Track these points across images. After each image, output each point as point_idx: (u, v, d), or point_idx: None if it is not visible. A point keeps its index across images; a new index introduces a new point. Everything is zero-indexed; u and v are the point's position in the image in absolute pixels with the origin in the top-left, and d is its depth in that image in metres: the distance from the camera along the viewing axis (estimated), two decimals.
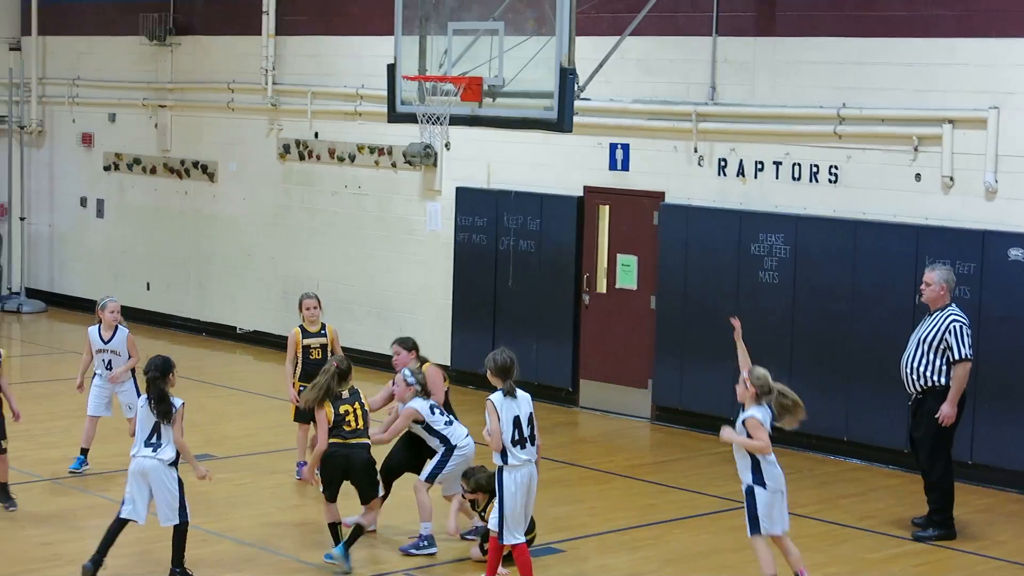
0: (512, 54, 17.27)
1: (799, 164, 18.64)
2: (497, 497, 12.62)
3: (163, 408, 12.67)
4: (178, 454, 12.77)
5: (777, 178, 18.84)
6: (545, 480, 16.75)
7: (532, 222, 21.08)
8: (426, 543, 13.95)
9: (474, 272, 21.77)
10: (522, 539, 12.59)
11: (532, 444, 12.62)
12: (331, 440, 13.24)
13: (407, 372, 14.08)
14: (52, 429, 18.50)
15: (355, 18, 23.23)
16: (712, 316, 19.12)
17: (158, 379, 12.77)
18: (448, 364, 21.99)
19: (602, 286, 20.63)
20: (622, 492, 16.78)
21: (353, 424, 13.31)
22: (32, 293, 28.76)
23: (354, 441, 13.28)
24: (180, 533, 12.75)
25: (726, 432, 12.41)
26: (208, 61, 25.84)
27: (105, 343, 16.75)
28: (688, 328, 19.55)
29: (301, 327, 16.29)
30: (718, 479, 17.05)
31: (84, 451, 16.83)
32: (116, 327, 16.75)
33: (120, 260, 27.23)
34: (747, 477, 12.39)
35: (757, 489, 12.31)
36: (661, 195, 19.91)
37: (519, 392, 12.72)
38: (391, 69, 18.51)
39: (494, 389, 12.66)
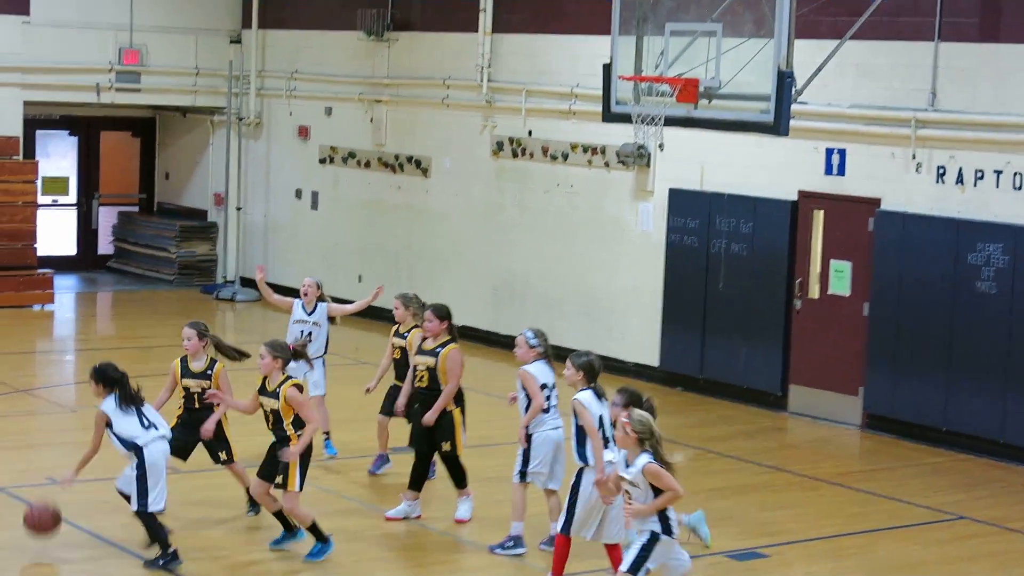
0: (729, 56, 17.28)
1: (1021, 174, 18.39)
2: (570, 495, 12.73)
3: None
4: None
5: (997, 187, 18.61)
6: (752, 484, 16.95)
7: (745, 225, 21.06)
8: (512, 543, 13.97)
9: (685, 274, 21.79)
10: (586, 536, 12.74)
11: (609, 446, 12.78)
12: None
13: (529, 334, 13.91)
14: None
15: (571, 17, 23.37)
16: (927, 325, 19.02)
17: None
18: (656, 364, 22.09)
19: (814, 291, 20.55)
20: (829, 499, 16.72)
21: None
22: (246, 282, 29.30)
23: None
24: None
25: (630, 512, 11.32)
26: (424, 57, 26.17)
27: (308, 315, 17.38)
28: (902, 336, 19.40)
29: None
30: (928, 490, 16.96)
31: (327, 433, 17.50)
32: (317, 302, 17.43)
33: (333, 252, 27.69)
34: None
35: (663, 538, 11.16)
36: (877, 201, 19.78)
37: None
38: (607, 69, 18.62)
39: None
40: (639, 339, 22.45)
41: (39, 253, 27.66)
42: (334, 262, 27.26)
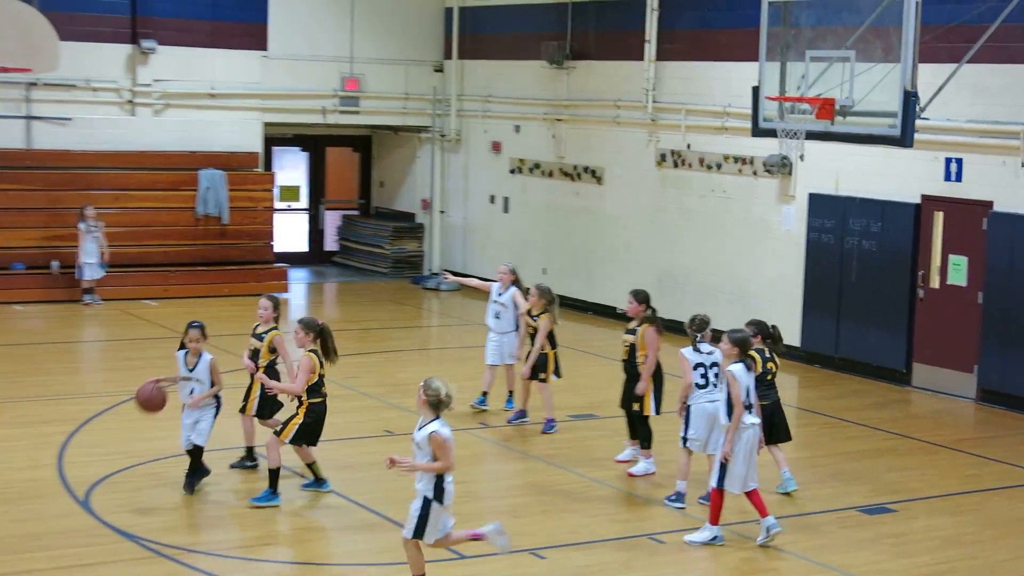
0: (861, 78, 17.14)
1: None
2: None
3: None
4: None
5: None
6: (880, 449, 16.82)
7: (874, 225, 20.83)
8: (674, 497, 14.04)
9: (822, 267, 21.62)
10: (736, 490, 12.74)
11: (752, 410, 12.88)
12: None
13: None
14: (464, 388, 19.07)
15: (724, 47, 23.27)
16: None
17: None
18: (798, 345, 21.92)
19: (935, 282, 20.27)
20: (948, 462, 16.49)
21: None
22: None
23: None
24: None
25: (403, 462, 10.98)
26: (598, 82, 26.20)
27: (499, 296, 17.72)
28: (1011, 321, 19.06)
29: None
30: None
31: (484, 393, 17.91)
32: (509, 286, 17.71)
33: (521, 249, 27.83)
34: (424, 487, 10.98)
35: (434, 504, 10.95)
36: (990, 204, 19.45)
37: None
38: (755, 91, 18.55)
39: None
40: (782, 323, 21.93)
41: (276, 250, 28.17)
42: (522, 257, 27.38)
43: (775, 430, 14.36)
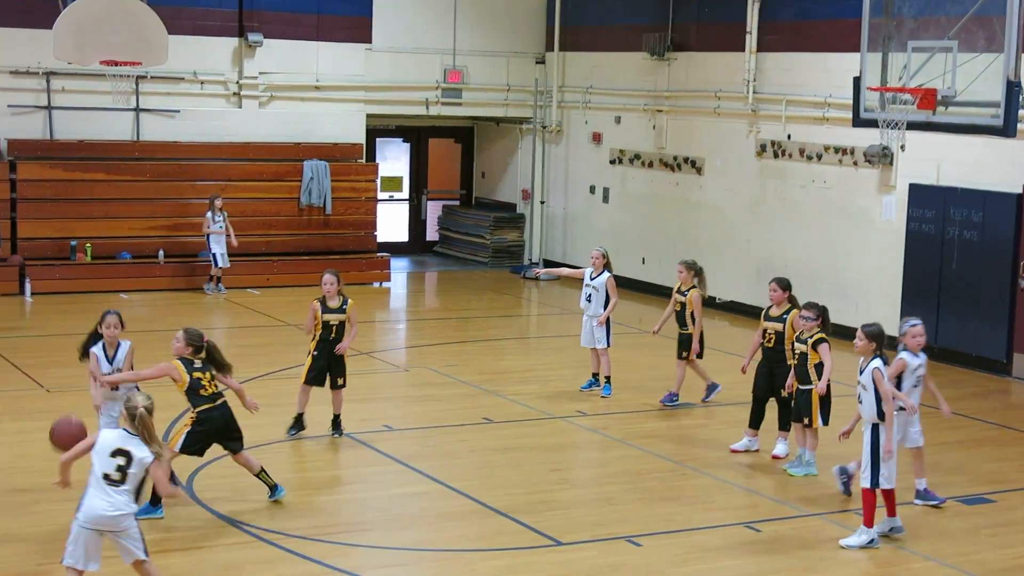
0: (963, 68, 16.98)
1: None
2: (872, 451, 12.49)
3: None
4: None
5: None
6: (979, 439, 16.61)
7: (975, 215, 20.55)
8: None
9: (922, 257, 21.37)
10: (891, 486, 12.53)
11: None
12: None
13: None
14: (562, 376, 19.11)
15: (825, 38, 23.07)
16: None
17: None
18: (898, 335, 21.66)
19: None
20: None
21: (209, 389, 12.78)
22: (548, 263, 29.64)
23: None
24: None
25: None
26: (698, 73, 26.09)
27: (591, 279, 17.92)
28: None
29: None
30: None
31: (594, 375, 18.07)
32: (601, 270, 17.88)
33: (620, 238, 27.77)
34: None
35: None
36: None
37: None
38: (856, 81, 18.42)
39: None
40: (881, 313, 22.00)
41: (378, 239, 28.36)
42: (621, 247, 27.33)
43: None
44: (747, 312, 23.88)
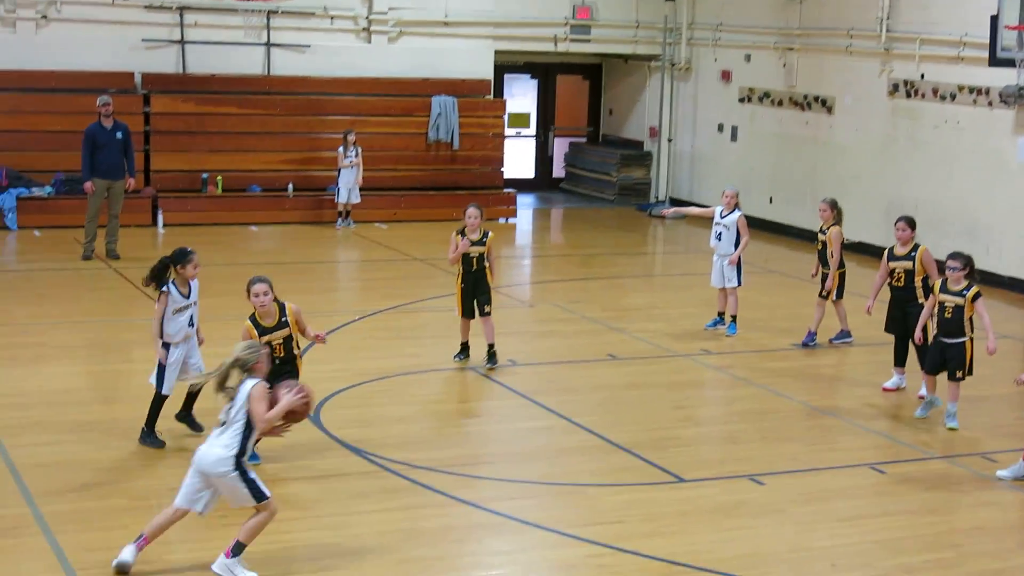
0: None
1: None
2: None
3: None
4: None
5: None
6: None
7: None
8: None
9: None
10: None
11: None
12: None
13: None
14: (687, 315, 19.07)
15: None
16: None
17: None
18: None
19: None
20: None
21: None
22: (675, 201, 29.53)
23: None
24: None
25: None
26: (831, 11, 25.71)
27: (721, 218, 17.78)
28: None
29: None
30: None
31: (720, 314, 18.11)
32: (732, 209, 17.78)
33: (748, 177, 27.55)
34: None
35: None
36: None
37: None
38: (994, 20, 18.16)
39: None
40: (1015, 257, 21.77)
41: (505, 176, 28.43)
42: (749, 186, 27.11)
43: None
44: (875, 253, 23.58)
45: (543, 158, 32.41)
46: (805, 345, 17.43)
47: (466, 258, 15.62)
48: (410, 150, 27.32)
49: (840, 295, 17.38)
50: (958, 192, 22.84)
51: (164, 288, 12.59)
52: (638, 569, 10.35)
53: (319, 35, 27.11)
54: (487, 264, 15.69)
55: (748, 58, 27.94)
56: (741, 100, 28.15)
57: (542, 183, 32.19)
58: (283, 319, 11.76)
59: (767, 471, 12.65)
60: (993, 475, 12.64)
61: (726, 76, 28.60)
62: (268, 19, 26.41)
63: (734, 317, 17.91)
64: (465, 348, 15.94)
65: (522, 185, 30.68)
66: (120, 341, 16.88)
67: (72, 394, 14.45)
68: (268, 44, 26.66)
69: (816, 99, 26.09)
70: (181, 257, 12.59)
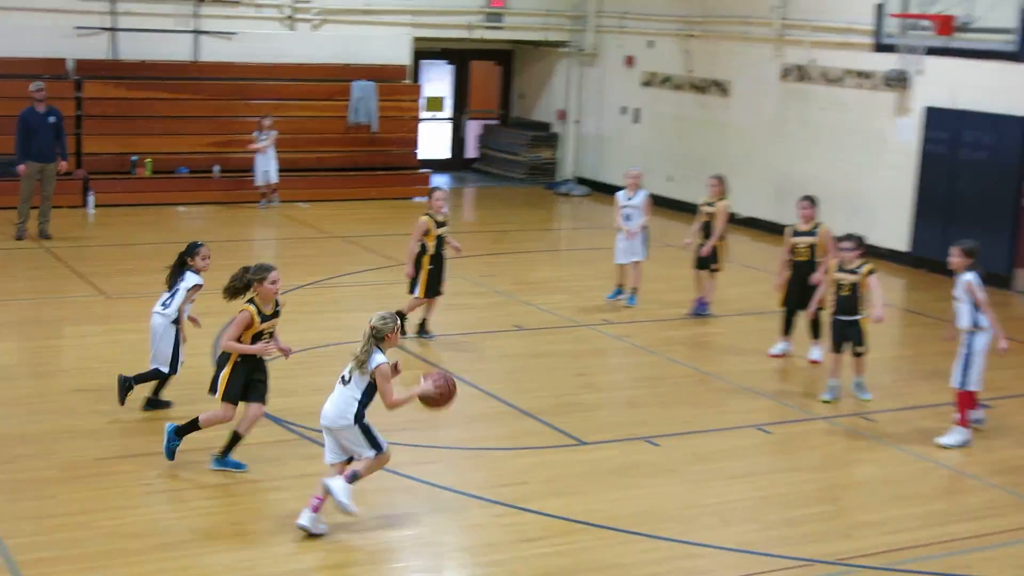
0: None
1: None
2: (966, 357, 12.78)
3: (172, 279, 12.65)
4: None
5: None
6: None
7: (986, 138, 20.45)
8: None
9: (934, 177, 21.31)
10: (978, 387, 12.74)
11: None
12: None
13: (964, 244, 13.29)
14: (590, 287, 19.17)
15: None
16: None
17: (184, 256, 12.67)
18: (909, 251, 21.73)
19: None
20: None
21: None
22: (581, 181, 29.65)
23: None
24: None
25: None
26: (729, 0, 25.90)
27: (628, 200, 17.84)
28: None
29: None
30: None
31: (619, 286, 18.22)
32: (637, 190, 17.85)
33: (650, 157, 27.69)
34: None
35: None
36: None
37: None
38: (879, 8, 18.33)
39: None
40: (894, 229, 22.09)
41: (420, 157, 28.40)
42: (651, 166, 27.22)
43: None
44: (766, 228, 23.85)
45: (457, 140, 32.38)
46: (698, 314, 17.60)
47: (438, 239, 15.87)
48: (331, 133, 27.22)
49: (715, 266, 17.51)
50: (843, 170, 23.12)
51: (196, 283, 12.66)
52: (540, 527, 10.47)
53: (245, 23, 26.89)
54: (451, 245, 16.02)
55: (651, 44, 28.05)
56: (644, 84, 28.26)
57: (456, 163, 32.16)
58: (278, 308, 11.56)
59: (662, 433, 12.81)
60: (871, 433, 12.87)
61: (630, 62, 28.70)
62: (196, 7, 26.19)
63: (635, 289, 18.05)
64: (424, 325, 16.09)
65: (437, 165, 30.66)
66: (51, 318, 16.75)
67: (3, 370, 14.32)
68: (196, 32, 26.43)
69: (713, 83, 26.27)
70: (190, 251, 12.77)
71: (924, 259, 21.48)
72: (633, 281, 18.07)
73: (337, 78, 27.27)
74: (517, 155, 30.83)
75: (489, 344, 16.06)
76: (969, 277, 12.72)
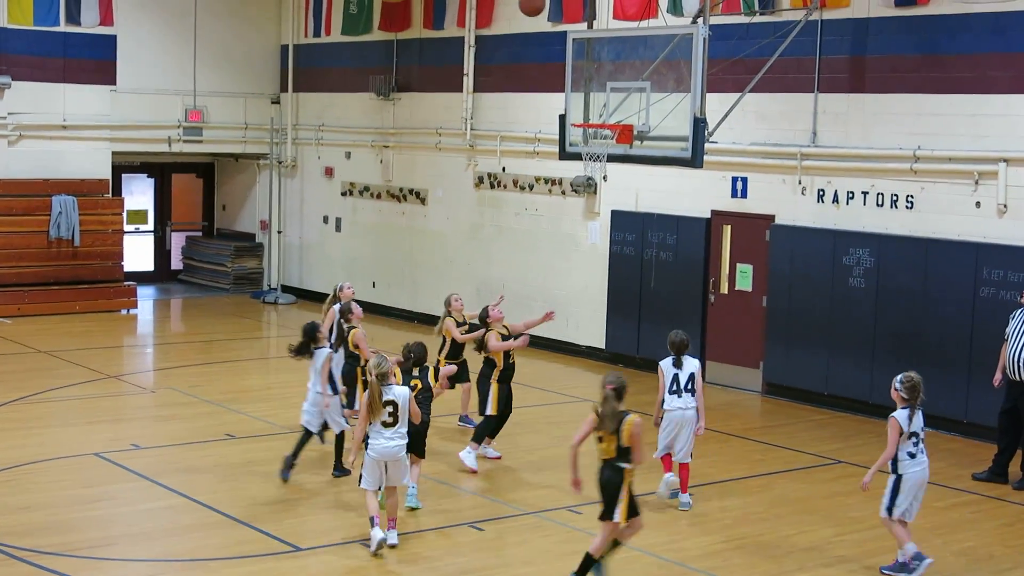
0: (656, 107, 17.26)
1: (882, 194, 18.33)
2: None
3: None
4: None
5: (864, 205, 18.55)
6: None
7: (670, 237, 20.97)
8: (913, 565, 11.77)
9: (624, 276, 21.70)
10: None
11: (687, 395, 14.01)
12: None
13: (897, 380, 11.95)
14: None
15: (534, 79, 23.26)
16: (812, 312, 19.00)
17: None
18: (603, 347, 22.02)
19: (724, 288, 20.46)
20: (737, 449, 16.63)
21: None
22: (286, 289, 29.20)
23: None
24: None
25: None
26: (421, 112, 26.02)
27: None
28: (792, 321, 19.33)
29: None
30: (814, 441, 16.93)
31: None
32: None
33: (353, 264, 27.52)
34: None
35: None
36: (772, 217, 19.70)
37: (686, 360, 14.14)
38: (562, 119, 18.57)
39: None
40: (590, 328, 22.37)
41: (125, 269, 27.42)
42: (354, 272, 27.07)
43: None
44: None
45: (162, 252, 31.50)
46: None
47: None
48: (33, 247, 26.05)
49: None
50: (538, 272, 23.36)
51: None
52: None
53: None
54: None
55: (348, 155, 27.95)
56: (343, 194, 28.10)
57: (161, 275, 31.24)
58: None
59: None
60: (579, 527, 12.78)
61: (329, 172, 28.52)
62: None
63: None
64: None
65: (142, 278, 29.68)
66: None
67: None
68: None
69: (411, 191, 26.29)
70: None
71: (620, 355, 21.78)
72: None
73: (37, 193, 26.18)
74: (222, 265, 30.16)
75: (200, 454, 15.39)
76: (898, 414, 11.74)
